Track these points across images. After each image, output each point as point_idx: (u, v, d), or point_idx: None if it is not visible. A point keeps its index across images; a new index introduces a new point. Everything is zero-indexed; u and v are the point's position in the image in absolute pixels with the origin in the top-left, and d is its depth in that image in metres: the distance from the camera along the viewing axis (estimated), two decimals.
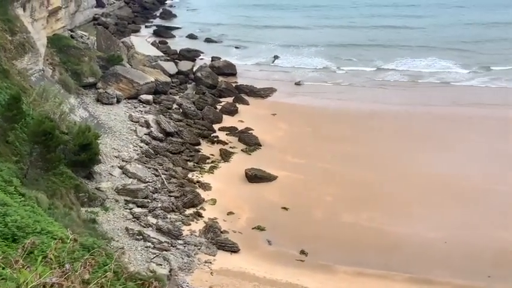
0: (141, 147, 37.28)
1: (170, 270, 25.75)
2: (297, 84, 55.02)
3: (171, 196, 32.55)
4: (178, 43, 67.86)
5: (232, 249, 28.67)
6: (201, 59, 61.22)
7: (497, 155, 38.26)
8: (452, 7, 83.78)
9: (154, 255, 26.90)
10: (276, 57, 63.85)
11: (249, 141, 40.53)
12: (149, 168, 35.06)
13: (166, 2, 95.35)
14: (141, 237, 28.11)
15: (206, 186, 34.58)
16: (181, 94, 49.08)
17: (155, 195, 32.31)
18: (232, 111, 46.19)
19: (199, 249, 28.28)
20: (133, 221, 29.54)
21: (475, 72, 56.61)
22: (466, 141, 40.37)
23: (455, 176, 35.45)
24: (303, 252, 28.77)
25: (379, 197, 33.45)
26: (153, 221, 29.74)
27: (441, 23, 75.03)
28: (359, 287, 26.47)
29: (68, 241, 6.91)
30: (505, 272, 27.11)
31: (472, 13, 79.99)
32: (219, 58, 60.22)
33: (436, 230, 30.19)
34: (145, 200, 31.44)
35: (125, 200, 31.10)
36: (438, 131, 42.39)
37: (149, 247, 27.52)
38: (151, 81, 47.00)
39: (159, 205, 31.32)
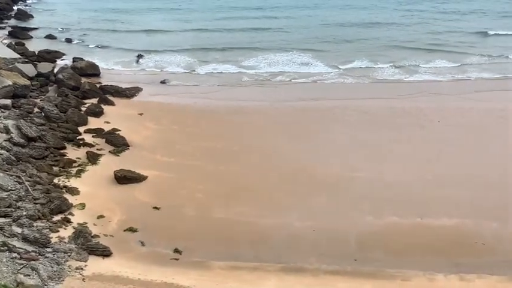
0: (1, 154, 35.42)
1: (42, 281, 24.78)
2: (163, 83, 54.78)
3: (37, 203, 31.20)
4: (36, 44, 65.05)
5: (104, 253, 28.07)
6: (62, 60, 59.25)
7: (357, 144, 40.38)
8: (306, 8, 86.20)
9: (22, 266, 25.75)
10: (140, 56, 63.09)
11: (117, 142, 39.81)
12: (11, 175, 33.39)
13: (21, 2, 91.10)
14: (5, 248, 26.76)
15: (74, 191, 33.54)
16: (43, 97, 47.07)
17: (19, 204, 30.80)
18: (97, 113, 45.07)
19: (69, 256, 27.41)
20: None
21: (332, 68, 58.85)
22: (328, 133, 42.31)
23: (319, 166, 37.05)
24: (177, 250, 28.77)
25: (249, 191, 34.19)
26: (18, 230, 28.39)
27: (300, 24, 77.23)
28: (234, 281, 26.84)
29: None
30: (369, 255, 28.64)
31: (328, 13, 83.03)
32: (81, 59, 58.50)
33: (304, 219, 31.39)
34: (9, 209, 29.92)
35: None
36: (302, 124, 44.03)
37: (15, 258, 26.28)
38: (9, 85, 44.73)
39: (24, 213, 29.92)
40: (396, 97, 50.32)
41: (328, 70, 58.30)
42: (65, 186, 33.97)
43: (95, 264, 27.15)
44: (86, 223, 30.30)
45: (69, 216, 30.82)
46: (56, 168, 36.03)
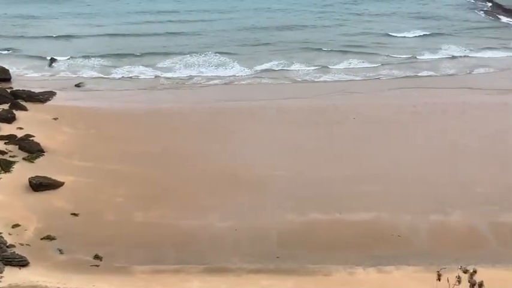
0: None
1: None
2: (77, 86, 53.58)
3: None
4: None
5: (21, 263, 27.11)
6: None
7: (276, 143, 40.87)
8: (222, 12, 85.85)
9: None
10: (52, 60, 61.31)
11: (31, 149, 38.53)
12: None
13: None
14: None
15: None
16: None
17: None
18: (9, 119, 43.46)
19: None
20: None
21: (249, 70, 59.18)
22: (247, 133, 42.69)
23: (239, 165, 37.25)
24: (97, 256, 28.15)
25: (170, 193, 33.95)
26: None
27: (216, 27, 76.78)
28: (157, 284, 26.57)
29: None
30: (291, 252, 29.03)
31: (244, 16, 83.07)
32: None
33: (226, 219, 31.45)
34: None
35: None
36: (220, 125, 44.17)
37: None
38: None
39: None
40: (313, 96, 51.32)
41: (244, 71, 58.63)
42: None
43: (11, 275, 26.20)
44: (0, 233, 29.18)
45: None
46: None
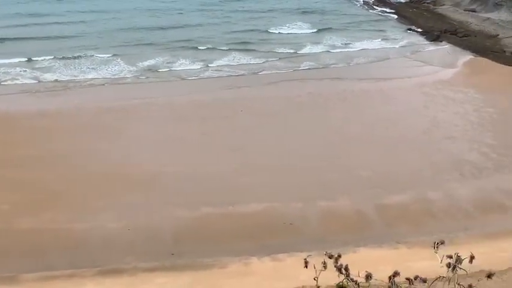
0: None
1: None
2: None
3: None
4: None
5: None
6: None
7: (165, 140, 40.65)
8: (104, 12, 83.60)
9: None
10: None
11: None
12: None
13: None
14: None
15: None
16: None
17: None
18: None
19: None
20: None
21: (134, 69, 58.34)
22: (135, 131, 42.11)
23: (129, 164, 36.79)
24: None
25: (59, 196, 32.92)
26: None
27: (98, 28, 74.58)
28: None
29: None
30: (186, 247, 29.08)
31: (127, 16, 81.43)
32: None
33: (119, 219, 30.96)
34: None
35: None
36: (107, 124, 43.21)
37: None
38: None
39: None
40: (199, 92, 51.36)
41: (129, 70, 57.65)
42: None
43: None
44: None
45: None
46: None
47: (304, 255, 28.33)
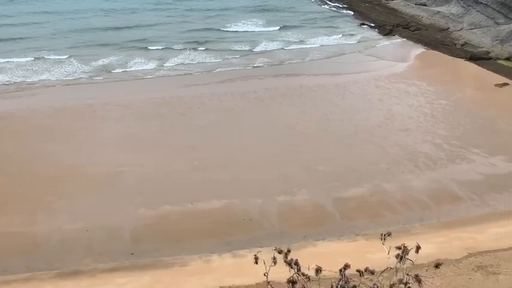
0: None
1: None
2: None
3: None
4: None
5: None
6: None
7: (122, 139, 40.34)
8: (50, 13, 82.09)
9: None
10: None
11: None
12: None
13: None
14: None
15: None
16: None
17: None
18: None
19: None
20: None
21: (88, 69, 57.62)
22: (90, 131, 41.64)
23: (86, 164, 36.32)
24: None
25: (15, 199, 32.29)
26: None
27: (48, 30, 73.25)
28: None
29: None
30: (146, 247, 28.89)
31: (79, 17, 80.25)
32: None
33: (76, 221, 30.56)
34: None
35: None
36: (61, 125, 42.66)
37: None
38: None
39: None
40: (155, 90, 51.02)
41: (83, 71, 56.94)
42: None
43: None
44: None
45: None
46: None
47: (264, 250, 28.72)
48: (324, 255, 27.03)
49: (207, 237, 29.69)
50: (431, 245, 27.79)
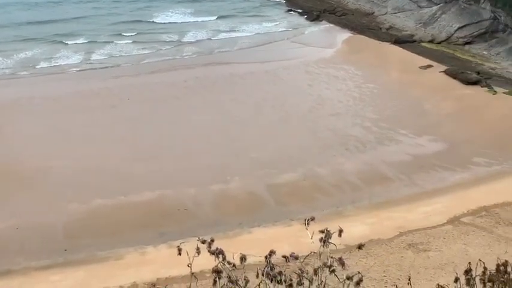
0: None
1: None
2: None
3: None
4: None
5: None
6: None
7: (50, 133, 39.44)
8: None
9: None
10: None
11: None
12: None
13: None
14: None
15: None
16: None
17: None
18: None
19: None
20: None
21: (10, 64, 55.94)
22: (17, 125, 40.53)
23: (13, 161, 35.30)
24: None
25: None
26: None
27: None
28: None
29: None
30: (79, 242, 28.39)
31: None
32: None
33: (6, 219, 29.71)
34: None
35: None
36: None
37: None
38: None
39: None
40: (81, 83, 49.98)
41: (7, 66, 55.15)
42: None
43: None
44: None
45: None
46: None
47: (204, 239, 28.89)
48: (259, 242, 27.27)
49: (141, 229, 29.44)
50: (364, 226, 28.57)
